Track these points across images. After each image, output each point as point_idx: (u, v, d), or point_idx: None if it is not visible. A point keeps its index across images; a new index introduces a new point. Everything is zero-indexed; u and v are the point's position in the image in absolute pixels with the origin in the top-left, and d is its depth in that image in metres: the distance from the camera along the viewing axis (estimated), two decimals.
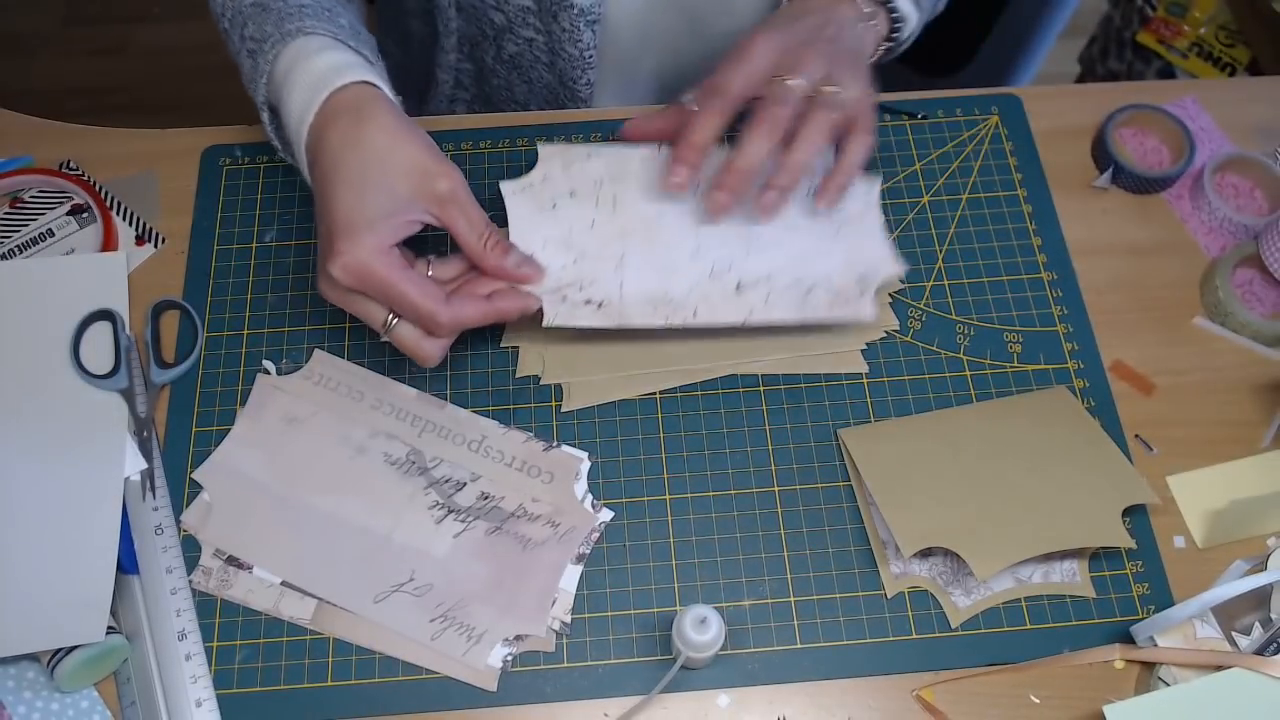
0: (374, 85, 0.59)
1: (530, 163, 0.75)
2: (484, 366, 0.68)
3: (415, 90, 0.91)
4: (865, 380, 0.68)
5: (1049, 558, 0.62)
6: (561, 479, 0.64)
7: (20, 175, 0.74)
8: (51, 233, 0.73)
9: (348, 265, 0.56)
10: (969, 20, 0.69)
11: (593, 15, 0.73)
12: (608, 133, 0.77)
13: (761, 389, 0.67)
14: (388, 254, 0.56)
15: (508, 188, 0.66)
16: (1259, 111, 0.79)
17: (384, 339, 0.59)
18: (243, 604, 0.61)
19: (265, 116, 0.64)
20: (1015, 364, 0.68)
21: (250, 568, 0.62)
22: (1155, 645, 0.58)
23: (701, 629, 0.54)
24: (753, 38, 0.61)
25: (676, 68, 0.83)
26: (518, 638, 0.60)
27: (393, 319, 0.58)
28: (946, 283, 0.71)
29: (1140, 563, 0.62)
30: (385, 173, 0.57)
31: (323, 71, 0.59)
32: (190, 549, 0.62)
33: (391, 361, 0.68)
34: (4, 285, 0.69)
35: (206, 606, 0.61)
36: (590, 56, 0.75)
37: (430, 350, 0.59)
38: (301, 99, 0.59)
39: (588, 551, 0.62)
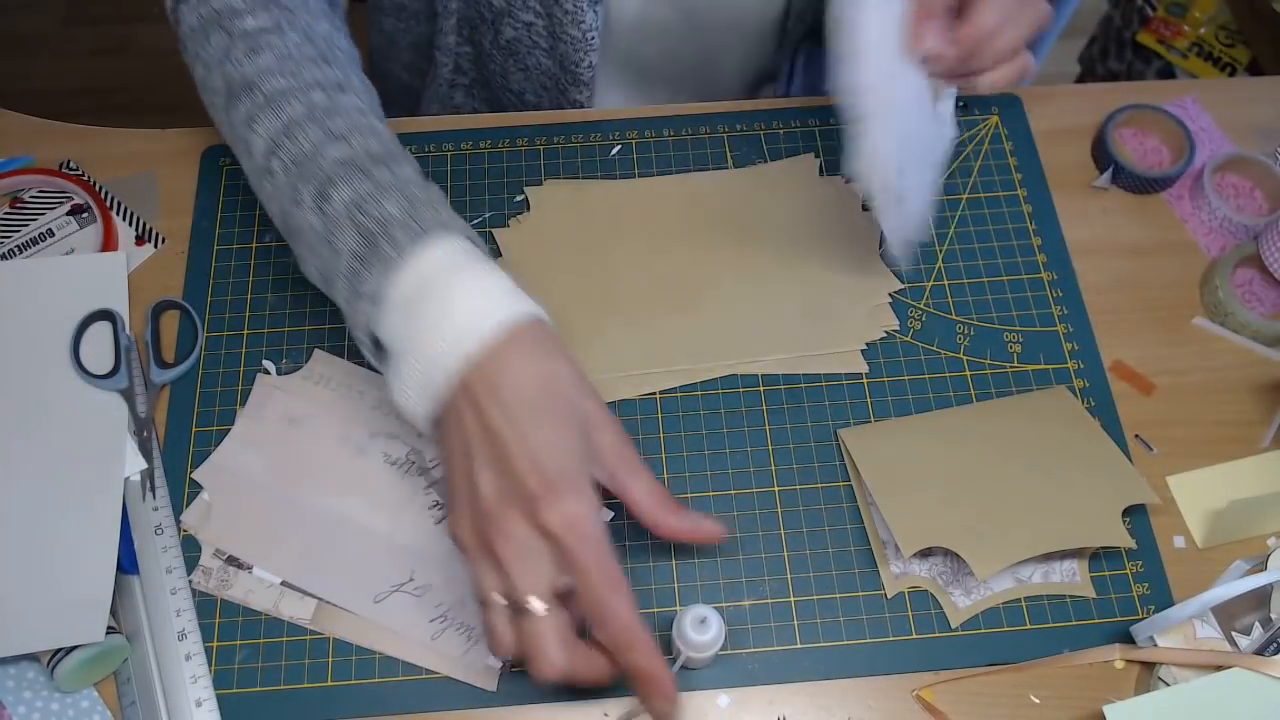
0: (541, 319, 0.52)
1: (531, 163, 0.75)
2: None
3: (416, 74, 0.90)
4: (865, 380, 0.68)
5: (1049, 558, 0.62)
6: None
7: (20, 175, 0.74)
8: (51, 233, 0.73)
9: (568, 517, 0.48)
10: None
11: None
12: (610, 133, 0.77)
13: (761, 389, 0.67)
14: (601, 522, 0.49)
15: None
16: (1259, 111, 0.79)
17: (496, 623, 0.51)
18: (243, 604, 0.61)
19: (364, 319, 0.53)
20: (1015, 364, 0.68)
21: (250, 568, 0.62)
22: (1155, 645, 0.58)
23: (701, 629, 0.54)
24: None
25: (675, 57, 0.83)
26: None
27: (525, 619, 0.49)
28: (946, 283, 0.71)
29: (1140, 563, 0.62)
30: (573, 419, 0.50)
31: (490, 291, 0.51)
32: (190, 549, 0.62)
33: None
34: (4, 285, 0.69)
35: (206, 606, 0.61)
36: (593, 38, 0.75)
37: (556, 659, 0.50)
38: (463, 319, 0.50)
39: None
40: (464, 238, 0.54)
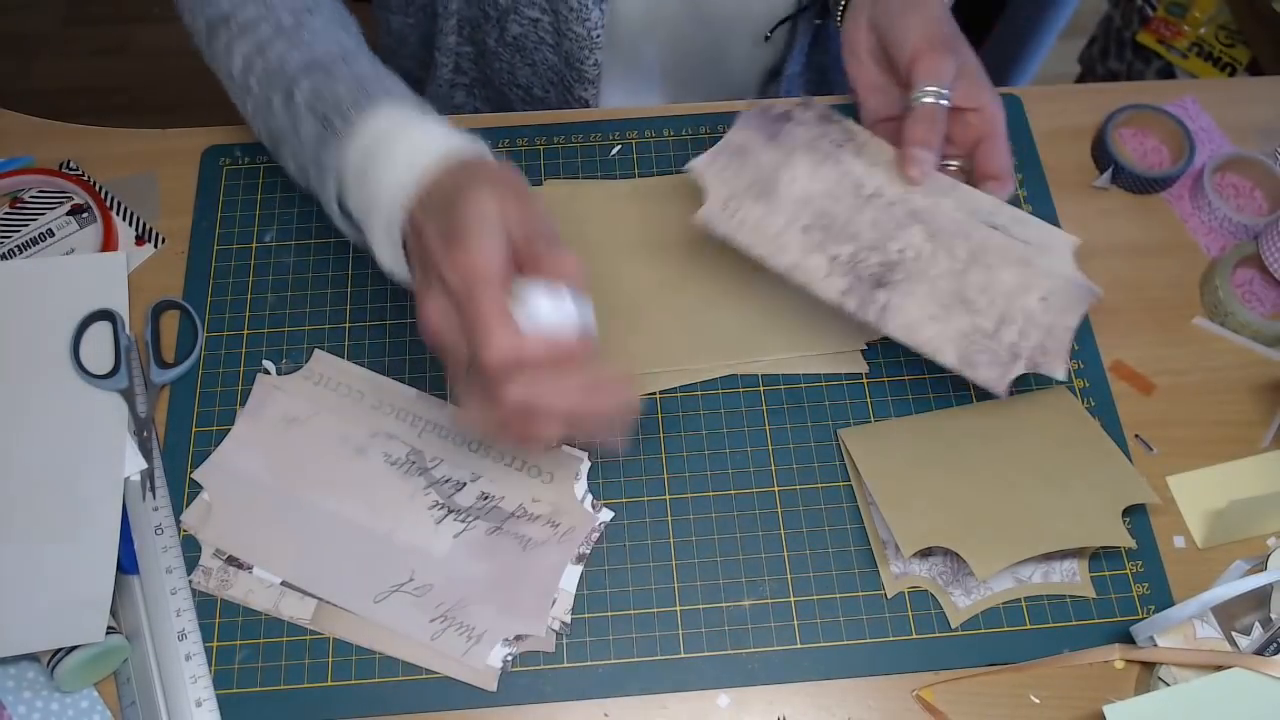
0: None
1: (531, 163, 0.75)
2: None
3: (412, 78, 0.90)
4: (865, 380, 0.68)
5: (1049, 557, 0.62)
6: (561, 479, 0.64)
7: (20, 175, 0.74)
8: (51, 233, 0.73)
9: (457, 263, 0.50)
10: (969, 20, 0.69)
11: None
12: (610, 133, 0.77)
13: (761, 389, 0.67)
14: (501, 262, 0.51)
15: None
16: (1259, 111, 0.79)
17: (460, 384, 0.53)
18: (243, 604, 0.61)
19: (333, 187, 0.59)
20: None
21: (250, 568, 0.62)
22: (1155, 645, 0.58)
23: (555, 298, 0.51)
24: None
25: (678, 54, 0.83)
26: (518, 638, 0.60)
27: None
28: None
29: (1140, 563, 0.62)
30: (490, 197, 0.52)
31: (428, 135, 0.56)
32: (190, 549, 0.62)
33: (392, 361, 0.68)
34: (4, 285, 0.69)
35: (206, 606, 0.61)
36: (598, 36, 0.75)
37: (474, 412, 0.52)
38: (406, 155, 0.55)
39: (588, 551, 0.62)
40: (409, 103, 0.58)
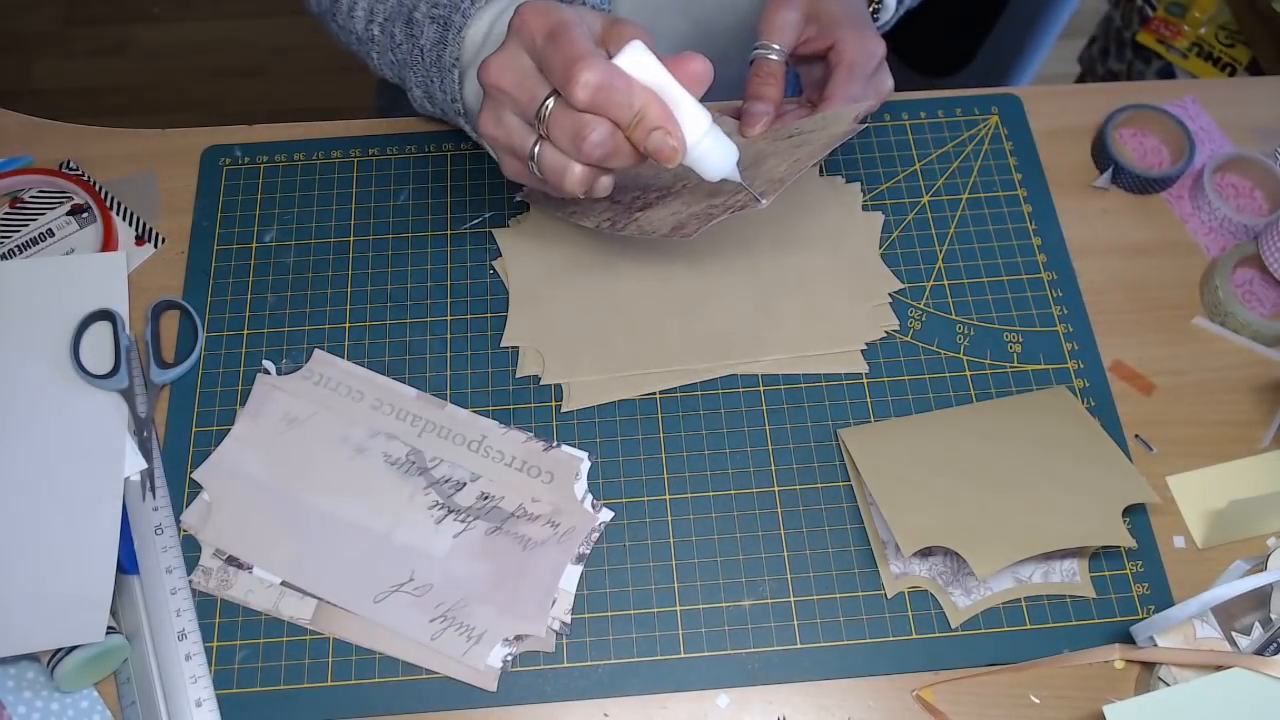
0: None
1: None
2: (484, 366, 0.68)
3: None
4: (865, 380, 0.68)
5: (1049, 557, 0.62)
6: (561, 479, 0.64)
7: (20, 175, 0.74)
8: (51, 233, 0.73)
9: (528, 18, 0.51)
10: (969, 20, 0.69)
11: (603, 10, 0.73)
12: None
13: (761, 389, 0.67)
14: (575, 16, 0.51)
15: None
16: (1259, 111, 0.79)
17: (532, 169, 0.54)
18: (243, 604, 0.61)
19: (456, 77, 0.62)
20: (1015, 364, 0.68)
21: (250, 568, 0.62)
22: (1155, 645, 0.58)
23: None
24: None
25: None
26: (518, 638, 0.60)
27: (538, 143, 0.52)
28: (946, 283, 0.71)
29: (1140, 563, 0.62)
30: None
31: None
32: (190, 549, 0.62)
33: (391, 362, 0.68)
34: (4, 285, 0.69)
35: (206, 606, 0.61)
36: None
37: (576, 173, 0.52)
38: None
39: (588, 551, 0.62)
40: None
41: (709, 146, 0.52)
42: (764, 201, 0.55)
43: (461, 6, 0.61)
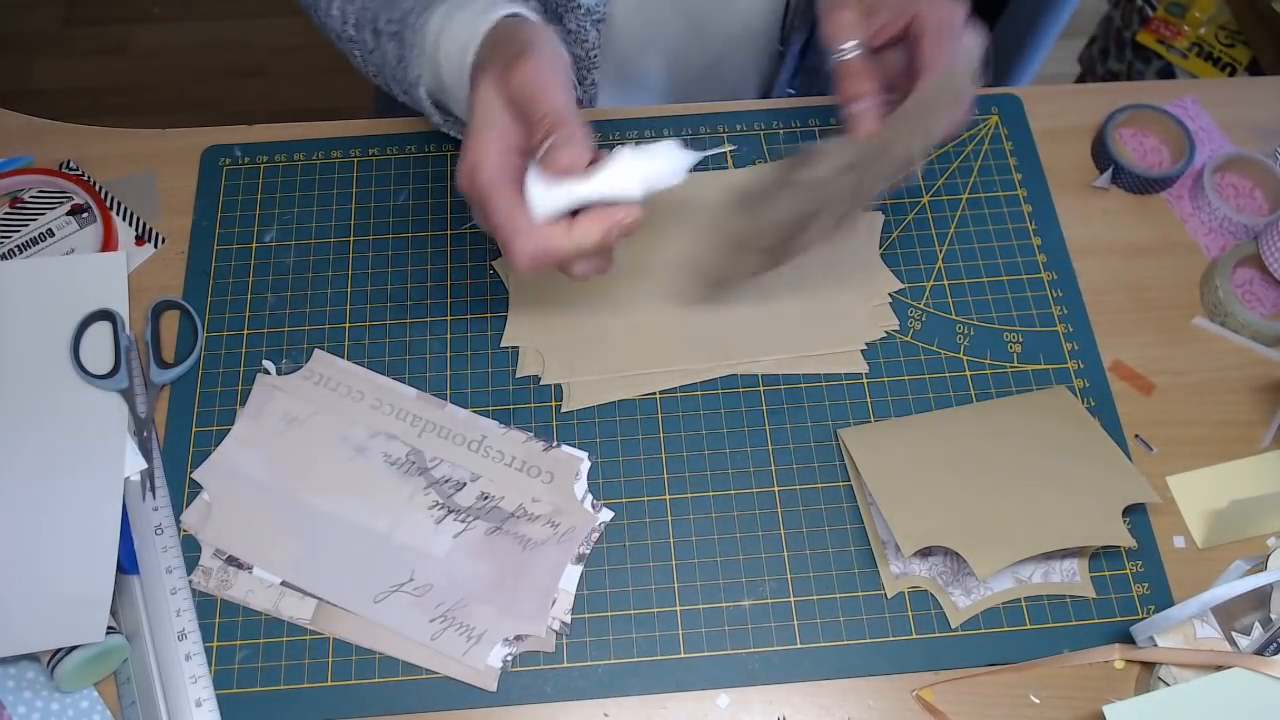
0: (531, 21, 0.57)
1: None
2: (484, 366, 0.68)
3: None
4: (865, 380, 0.68)
5: (1049, 557, 0.62)
6: (561, 479, 0.64)
7: (20, 175, 0.74)
8: (51, 233, 0.73)
9: (462, 172, 0.52)
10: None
11: (598, 14, 0.73)
12: (609, 132, 0.77)
13: (761, 389, 0.67)
14: (500, 155, 0.52)
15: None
16: (1259, 111, 0.79)
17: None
18: (243, 604, 0.61)
19: (422, 93, 0.62)
20: (1015, 364, 0.68)
21: (250, 568, 0.62)
22: (1155, 645, 0.58)
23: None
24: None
25: (677, 67, 0.83)
26: (518, 638, 0.60)
27: None
28: (946, 283, 0.71)
29: (1140, 563, 0.62)
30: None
31: (482, 7, 0.57)
32: (190, 549, 0.62)
33: (391, 362, 0.68)
34: (4, 285, 0.69)
35: (206, 606, 0.61)
36: (595, 56, 0.75)
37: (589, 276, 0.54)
38: (464, 31, 0.57)
39: (588, 551, 0.62)
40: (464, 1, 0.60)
41: (645, 173, 0.51)
42: (918, 167, 0.58)
43: (410, 22, 0.61)
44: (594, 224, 0.52)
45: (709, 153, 0.56)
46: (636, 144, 0.52)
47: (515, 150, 0.52)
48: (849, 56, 0.61)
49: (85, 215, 0.73)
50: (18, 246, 0.72)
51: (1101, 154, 0.75)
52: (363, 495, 0.63)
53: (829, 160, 0.62)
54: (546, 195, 0.51)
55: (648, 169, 0.51)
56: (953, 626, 0.60)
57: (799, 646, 0.60)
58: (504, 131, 0.52)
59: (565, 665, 0.59)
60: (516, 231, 0.51)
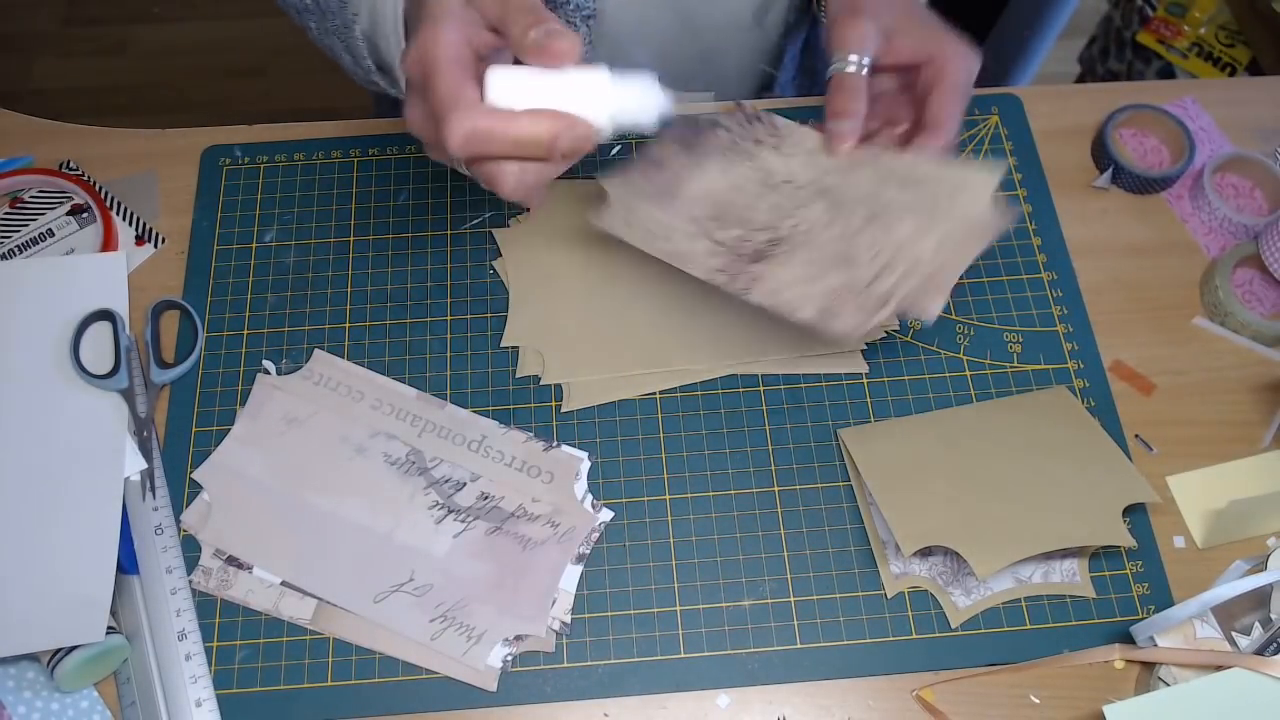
0: None
1: None
2: (484, 366, 0.68)
3: None
4: (865, 380, 0.68)
5: (1049, 557, 0.62)
6: (561, 479, 0.64)
7: (20, 175, 0.74)
8: (51, 233, 0.73)
9: (409, 56, 0.48)
10: (969, 20, 0.69)
11: (588, 10, 0.73)
12: None
13: (761, 389, 0.67)
14: (455, 44, 0.48)
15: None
16: (1259, 111, 0.79)
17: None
18: (243, 604, 0.61)
19: (358, 33, 0.60)
20: (1015, 364, 0.68)
21: (250, 568, 0.62)
22: (1155, 645, 0.58)
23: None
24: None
25: (668, 63, 0.83)
26: (518, 638, 0.60)
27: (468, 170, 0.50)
28: None
29: (1140, 563, 0.62)
30: None
31: None
32: (190, 549, 0.62)
33: (392, 361, 0.68)
34: (4, 285, 0.69)
35: (206, 606, 0.61)
36: (586, 51, 0.75)
37: (521, 194, 0.50)
38: None
39: (588, 551, 0.62)
40: None
41: (618, 100, 0.48)
42: (934, 309, 0.54)
43: None
44: (545, 118, 0.47)
45: (688, 98, 0.53)
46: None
47: (471, 44, 0.48)
48: (851, 70, 0.61)
49: (85, 215, 0.73)
50: (18, 246, 0.72)
51: (1101, 154, 0.75)
52: (363, 495, 0.63)
53: (792, 150, 0.62)
54: (508, 79, 0.47)
55: (622, 95, 0.48)
56: (953, 626, 0.60)
57: (799, 646, 0.60)
58: (463, 23, 0.48)
59: (565, 665, 0.59)
60: (456, 105, 0.46)
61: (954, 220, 0.57)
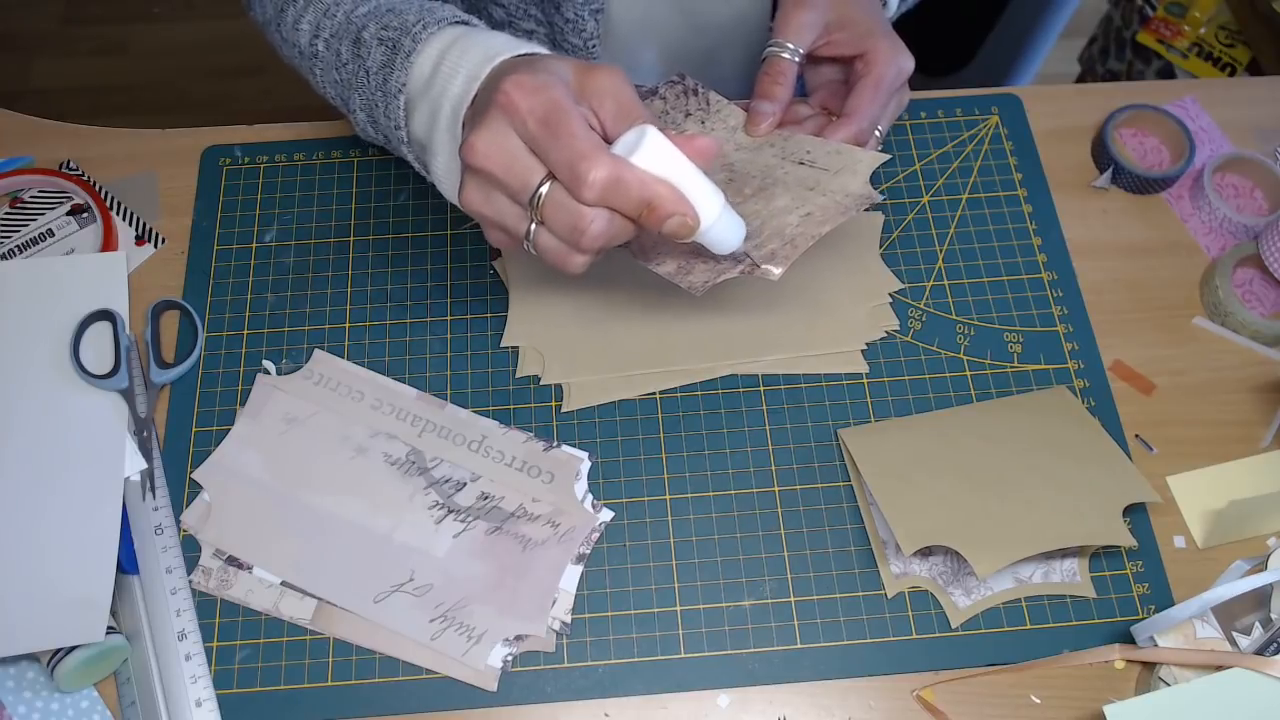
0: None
1: None
2: (484, 366, 0.68)
3: None
4: (865, 380, 0.68)
5: (1049, 557, 0.62)
6: (561, 479, 0.64)
7: (20, 175, 0.74)
8: (51, 233, 0.73)
9: (534, 108, 0.47)
10: (969, 20, 0.69)
11: (596, 4, 0.73)
12: None
13: (761, 389, 0.67)
14: (564, 89, 0.48)
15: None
16: (1259, 111, 0.79)
17: (526, 247, 0.51)
18: (243, 604, 0.61)
19: (401, 103, 0.58)
20: (1015, 364, 0.68)
21: (250, 568, 0.62)
22: (1155, 645, 0.58)
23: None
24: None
25: (674, 58, 0.83)
26: (518, 638, 0.60)
27: (533, 226, 0.50)
28: (946, 283, 0.71)
29: (1140, 563, 0.62)
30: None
31: (495, 43, 0.55)
32: (190, 549, 0.62)
33: (392, 361, 0.68)
34: (4, 285, 0.69)
35: (206, 606, 0.61)
36: (594, 47, 0.75)
37: (577, 261, 0.51)
38: (479, 52, 0.54)
39: (588, 551, 0.62)
40: (476, 22, 0.58)
41: (724, 224, 0.51)
42: (777, 271, 0.55)
43: (412, 31, 0.58)
44: (670, 190, 0.48)
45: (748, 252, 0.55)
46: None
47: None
48: (785, 56, 0.63)
49: (85, 215, 0.73)
50: (18, 246, 0.72)
51: (1101, 154, 0.75)
52: (363, 495, 0.63)
53: (715, 125, 0.64)
54: (663, 143, 0.48)
55: (727, 215, 0.51)
56: (953, 626, 0.60)
57: (799, 646, 0.60)
58: (569, 92, 0.49)
59: (565, 665, 0.59)
60: (593, 152, 0.47)
61: (828, 195, 0.58)
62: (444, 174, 0.57)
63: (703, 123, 0.64)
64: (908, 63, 0.63)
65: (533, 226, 0.50)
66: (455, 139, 0.54)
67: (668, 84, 0.67)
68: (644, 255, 0.58)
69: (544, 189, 0.48)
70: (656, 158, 0.48)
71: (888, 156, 0.61)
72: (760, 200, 0.59)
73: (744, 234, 0.53)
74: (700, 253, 0.56)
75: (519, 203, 0.50)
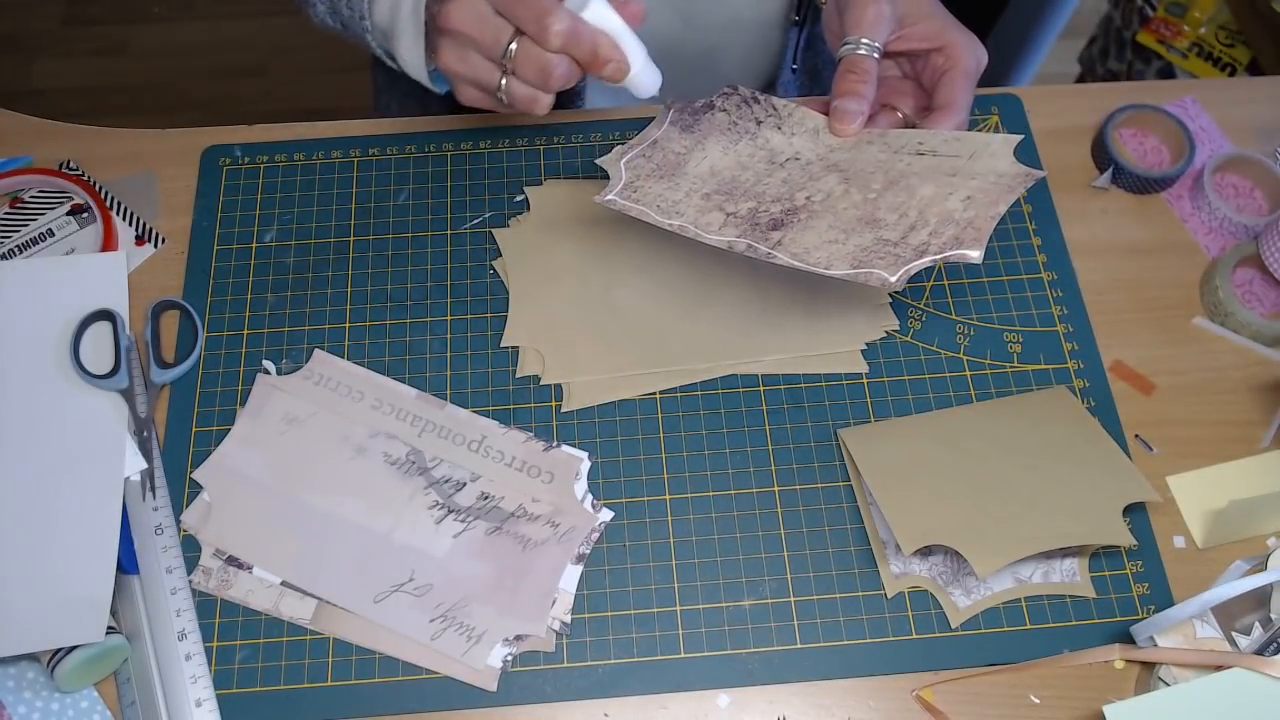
0: None
1: (531, 163, 0.75)
2: (484, 366, 0.68)
3: (415, 91, 0.90)
4: (865, 380, 0.68)
5: (1049, 557, 0.62)
6: (561, 479, 0.64)
7: (20, 175, 0.74)
8: (51, 233, 0.73)
9: None
10: (969, 20, 0.69)
11: None
12: (607, 133, 0.77)
13: (761, 389, 0.67)
14: None
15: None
16: (1259, 111, 0.79)
17: (500, 97, 0.59)
18: (243, 604, 0.61)
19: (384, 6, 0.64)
20: (1015, 364, 0.68)
21: (250, 568, 0.62)
22: (1155, 645, 0.58)
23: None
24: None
25: (669, 60, 0.83)
26: (518, 638, 0.60)
27: (505, 79, 0.58)
28: (946, 283, 0.71)
29: (1140, 563, 0.62)
30: None
31: None
32: (190, 549, 0.62)
33: (392, 361, 0.68)
34: (4, 285, 0.69)
35: (206, 606, 0.61)
36: None
37: (544, 101, 0.59)
38: None
39: (588, 551, 0.62)
40: None
41: (648, 72, 0.60)
42: (975, 254, 0.55)
43: None
44: (610, 41, 0.57)
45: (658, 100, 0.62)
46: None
47: None
48: (863, 52, 0.62)
49: (85, 215, 0.73)
50: (18, 246, 0.72)
51: (1101, 154, 0.75)
52: (363, 495, 0.63)
53: (794, 129, 0.64)
54: (599, 5, 0.57)
55: (650, 66, 0.60)
56: (953, 626, 0.60)
57: (799, 646, 0.60)
58: None
59: (565, 665, 0.59)
60: (554, 8, 0.55)
61: (979, 177, 0.59)
62: (409, 54, 0.62)
63: (779, 128, 0.64)
64: (984, 55, 0.64)
65: (504, 80, 0.58)
66: (419, 20, 0.60)
67: (721, 95, 0.67)
68: (795, 255, 0.59)
69: (514, 46, 0.57)
70: (599, 15, 0.57)
71: (1020, 137, 0.60)
72: (899, 192, 0.59)
73: (660, 83, 0.60)
74: (873, 250, 0.57)
75: (491, 59, 0.58)
